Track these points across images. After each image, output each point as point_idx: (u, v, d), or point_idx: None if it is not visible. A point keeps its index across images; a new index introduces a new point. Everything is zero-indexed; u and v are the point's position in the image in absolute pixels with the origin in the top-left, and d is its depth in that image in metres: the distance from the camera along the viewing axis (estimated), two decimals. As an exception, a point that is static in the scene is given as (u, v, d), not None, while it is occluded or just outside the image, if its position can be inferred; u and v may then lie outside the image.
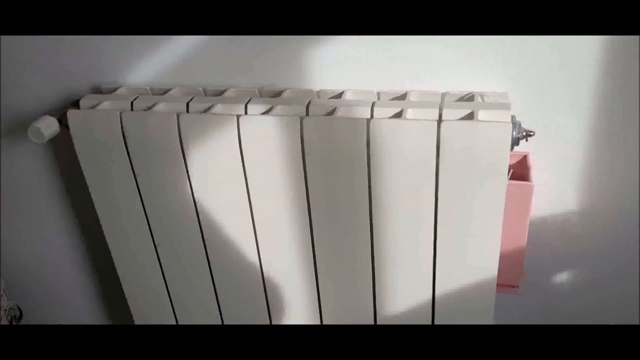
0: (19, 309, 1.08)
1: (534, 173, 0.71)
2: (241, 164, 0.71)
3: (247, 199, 0.74)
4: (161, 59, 0.80)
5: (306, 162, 0.69)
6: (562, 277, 0.85)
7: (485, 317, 0.74)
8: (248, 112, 0.71)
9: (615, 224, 0.78)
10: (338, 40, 0.73)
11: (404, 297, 0.76)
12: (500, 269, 0.72)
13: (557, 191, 0.77)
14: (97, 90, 0.84)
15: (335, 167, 0.68)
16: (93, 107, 0.75)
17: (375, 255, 0.73)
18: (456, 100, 0.70)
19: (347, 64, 0.74)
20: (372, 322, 0.79)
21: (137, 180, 0.77)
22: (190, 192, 0.76)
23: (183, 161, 0.73)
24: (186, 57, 0.79)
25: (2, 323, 1.00)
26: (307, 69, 0.76)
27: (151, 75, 0.81)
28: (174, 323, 0.90)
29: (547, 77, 0.70)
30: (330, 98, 0.73)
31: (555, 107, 0.71)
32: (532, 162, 0.73)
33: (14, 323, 1.04)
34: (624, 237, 0.79)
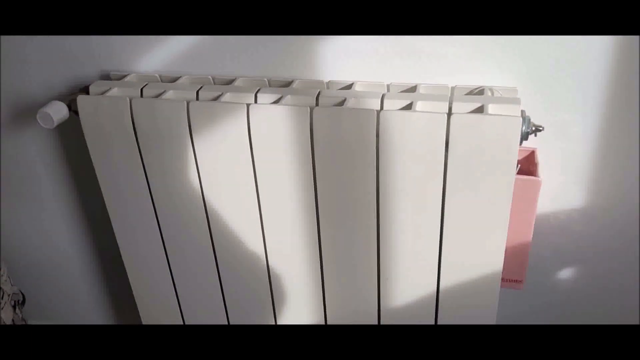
0: (22, 294, 1.08)
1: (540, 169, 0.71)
2: (250, 152, 0.71)
3: (255, 188, 0.74)
4: (170, 48, 0.80)
5: (315, 152, 0.69)
6: (564, 273, 0.85)
7: (489, 312, 0.75)
8: (258, 101, 0.71)
9: (619, 221, 0.79)
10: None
11: (408, 290, 0.76)
12: (505, 263, 0.72)
13: (561, 188, 0.77)
14: (105, 77, 0.84)
15: (344, 158, 0.68)
16: (102, 93, 0.75)
17: (381, 246, 0.73)
18: (466, 94, 0.70)
19: (356, 57, 0.74)
20: (376, 313, 0.79)
21: (145, 168, 0.77)
22: (198, 180, 0.76)
23: (192, 149, 0.73)
24: (195, 46, 0.79)
25: (5, 308, 1.00)
26: (317, 60, 0.76)
27: (160, 63, 0.82)
28: (178, 310, 0.91)
29: (554, 74, 0.70)
30: (339, 89, 0.73)
31: (561, 104, 0.71)
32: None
33: (17, 308, 1.05)
34: (628, 235, 0.79)
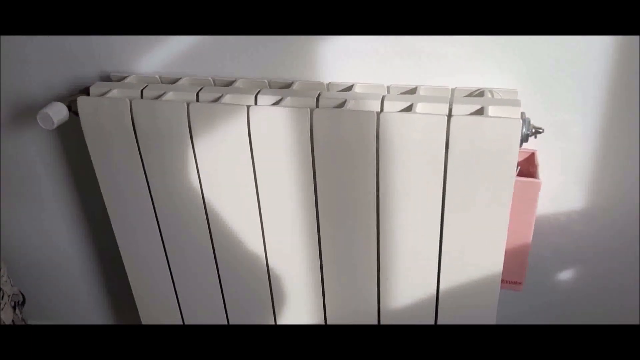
0: (22, 295, 1.08)
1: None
2: (250, 154, 0.71)
3: (255, 190, 0.74)
4: (171, 48, 0.80)
5: (315, 154, 0.69)
6: (564, 273, 0.85)
7: (489, 312, 0.75)
8: (258, 103, 0.71)
9: (619, 221, 0.79)
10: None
11: (408, 291, 0.76)
12: (505, 265, 0.72)
13: (561, 188, 0.77)
14: (106, 78, 0.84)
15: (344, 160, 0.68)
16: (102, 94, 0.75)
17: (380, 247, 0.73)
18: (466, 96, 0.70)
19: (357, 57, 0.74)
20: (376, 313, 0.80)
21: (145, 169, 0.77)
22: (198, 181, 0.76)
23: (192, 150, 0.73)
24: (196, 47, 0.79)
25: (5, 309, 1.00)
26: (316, 61, 0.76)
27: (160, 63, 0.81)
28: (177, 310, 0.91)
29: (554, 74, 0.70)
30: (340, 91, 0.74)
31: (561, 104, 0.72)
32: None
33: (17, 309, 1.05)
34: (628, 235, 0.79)
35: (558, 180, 0.77)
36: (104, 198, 0.82)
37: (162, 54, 0.81)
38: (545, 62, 0.69)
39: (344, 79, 0.76)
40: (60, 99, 0.79)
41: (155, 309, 0.92)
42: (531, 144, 0.73)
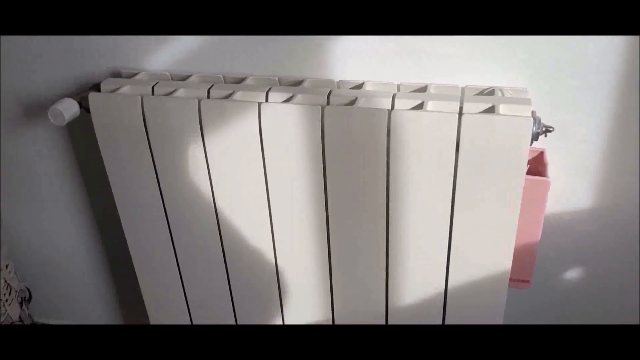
0: (29, 291, 1.08)
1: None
2: (261, 151, 0.71)
3: (265, 186, 0.74)
4: (179, 47, 0.80)
5: (326, 151, 0.69)
6: (566, 273, 0.86)
7: (497, 312, 0.75)
8: (269, 100, 0.71)
9: (622, 221, 0.79)
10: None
11: (416, 289, 0.76)
12: (513, 263, 0.72)
13: (564, 189, 0.78)
14: (116, 75, 0.84)
15: (355, 157, 0.68)
16: (113, 91, 0.76)
17: (390, 245, 0.74)
18: (476, 94, 0.70)
19: (366, 57, 0.75)
20: (384, 313, 0.80)
21: (156, 166, 0.77)
22: (208, 178, 0.76)
23: (203, 147, 0.74)
24: (205, 45, 0.79)
25: (12, 304, 1.01)
26: (327, 59, 0.76)
27: (168, 62, 0.82)
28: (186, 309, 0.91)
29: (559, 74, 0.70)
30: (350, 89, 0.74)
31: (564, 106, 0.72)
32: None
33: (23, 305, 1.05)
34: (630, 235, 0.80)
35: (562, 180, 0.77)
36: (114, 194, 0.82)
37: (170, 51, 0.81)
38: (549, 62, 0.70)
39: (355, 78, 0.76)
40: (68, 95, 0.79)
41: (164, 308, 0.92)
42: (536, 144, 0.73)
